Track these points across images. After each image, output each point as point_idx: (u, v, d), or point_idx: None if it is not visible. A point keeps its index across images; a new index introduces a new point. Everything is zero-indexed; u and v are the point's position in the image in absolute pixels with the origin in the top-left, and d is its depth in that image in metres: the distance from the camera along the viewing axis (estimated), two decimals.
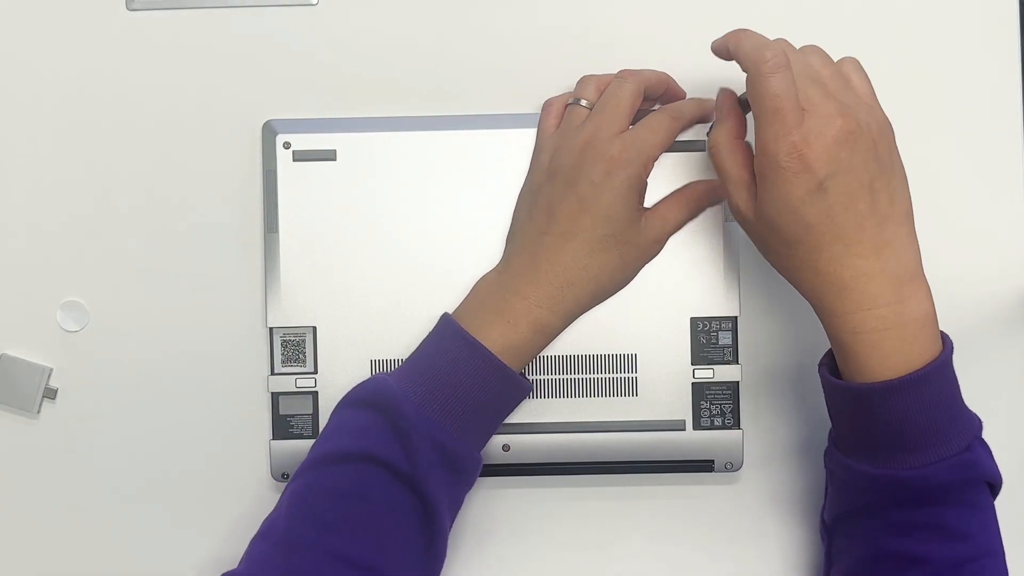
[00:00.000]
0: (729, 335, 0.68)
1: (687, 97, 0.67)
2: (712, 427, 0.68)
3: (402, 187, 0.68)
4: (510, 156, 0.68)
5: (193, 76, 0.70)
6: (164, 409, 0.69)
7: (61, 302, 0.69)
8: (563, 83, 0.69)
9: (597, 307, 0.67)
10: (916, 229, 0.59)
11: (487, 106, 0.69)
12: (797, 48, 0.60)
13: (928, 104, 0.69)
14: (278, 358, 0.68)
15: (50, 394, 0.69)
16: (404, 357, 0.67)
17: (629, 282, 0.66)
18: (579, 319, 0.66)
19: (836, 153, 0.56)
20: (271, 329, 0.68)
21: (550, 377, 0.67)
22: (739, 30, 0.59)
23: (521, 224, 0.66)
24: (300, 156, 0.68)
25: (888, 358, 0.57)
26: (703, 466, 0.68)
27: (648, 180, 0.64)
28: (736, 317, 0.68)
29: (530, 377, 0.67)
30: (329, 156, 0.68)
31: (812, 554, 0.69)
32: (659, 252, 0.67)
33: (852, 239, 0.57)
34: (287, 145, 0.68)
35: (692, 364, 0.67)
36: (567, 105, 0.66)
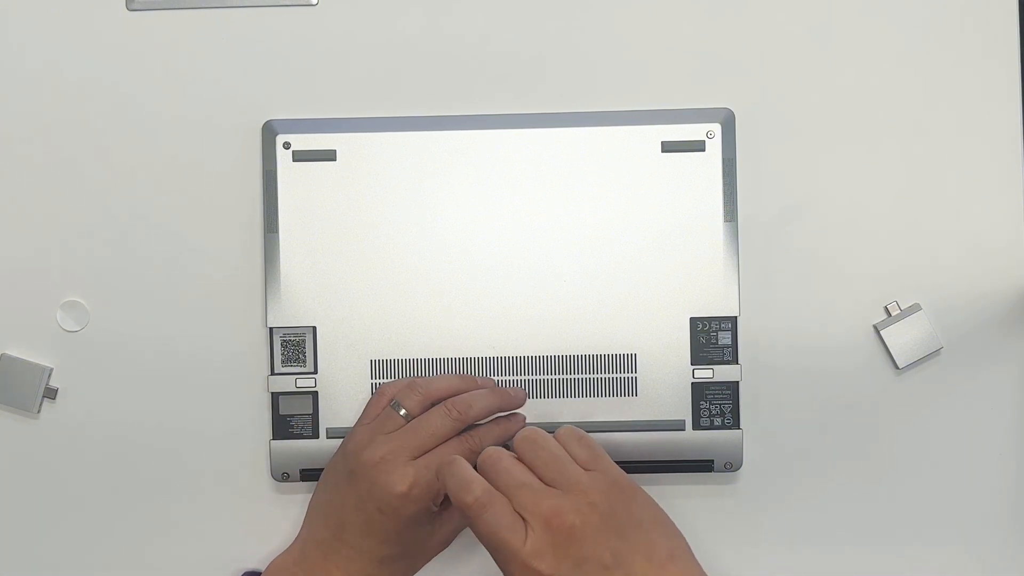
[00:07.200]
0: (729, 335, 0.68)
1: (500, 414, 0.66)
2: (712, 427, 0.68)
3: (402, 187, 0.68)
4: (510, 156, 0.68)
5: (193, 76, 0.70)
6: (164, 409, 0.69)
7: (61, 302, 0.69)
8: (563, 82, 0.69)
9: (597, 307, 0.67)
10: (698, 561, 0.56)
11: (487, 106, 0.69)
12: (517, 438, 0.58)
13: (928, 104, 0.69)
14: (278, 358, 0.68)
15: (50, 394, 0.69)
16: (404, 357, 0.67)
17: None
18: (578, 319, 0.67)
19: (566, 552, 0.54)
20: (271, 329, 0.68)
21: (550, 377, 0.67)
22: (449, 461, 0.57)
23: (318, 513, 0.66)
24: (300, 156, 0.68)
25: None
26: (702, 466, 0.68)
27: None
28: (736, 317, 0.68)
29: (530, 377, 0.67)
30: (329, 156, 0.68)
31: (811, 554, 0.69)
32: (447, 547, 0.67)
33: None
34: (287, 145, 0.68)
35: (692, 364, 0.68)
36: (388, 404, 0.65)
